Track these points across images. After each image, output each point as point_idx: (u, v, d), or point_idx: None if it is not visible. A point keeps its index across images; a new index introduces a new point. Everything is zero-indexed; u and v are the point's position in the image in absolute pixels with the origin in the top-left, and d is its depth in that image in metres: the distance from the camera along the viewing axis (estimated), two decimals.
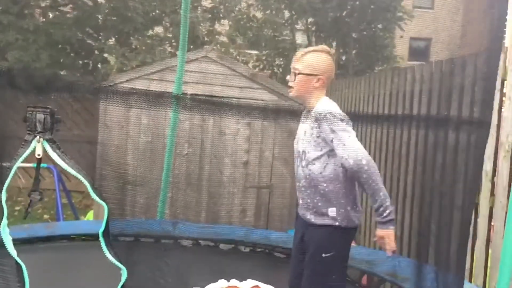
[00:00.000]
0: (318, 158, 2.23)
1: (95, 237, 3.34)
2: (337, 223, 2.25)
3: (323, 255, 2.23)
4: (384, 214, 2.14)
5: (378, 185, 2.13)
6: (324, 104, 2.26)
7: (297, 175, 2.37)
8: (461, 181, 1.99)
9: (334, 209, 2.25)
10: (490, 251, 3.03)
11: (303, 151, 2.30)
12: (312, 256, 2.29)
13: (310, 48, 2.40)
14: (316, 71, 2.28)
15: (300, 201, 2.40)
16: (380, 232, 2.18)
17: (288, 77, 2.36)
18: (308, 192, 2.31)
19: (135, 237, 3.03)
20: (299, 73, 2.29)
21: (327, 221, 2.26)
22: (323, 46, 2.43)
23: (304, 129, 2.33)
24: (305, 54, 2.32)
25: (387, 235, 2.16)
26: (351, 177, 2.23)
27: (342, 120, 2.09)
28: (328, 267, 2.24)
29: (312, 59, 2.29)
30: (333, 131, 2.14)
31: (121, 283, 1.55)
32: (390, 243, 2.17)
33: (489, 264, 3.04)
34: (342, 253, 2.30)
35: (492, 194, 2.98)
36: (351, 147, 2.12)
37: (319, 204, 2.27)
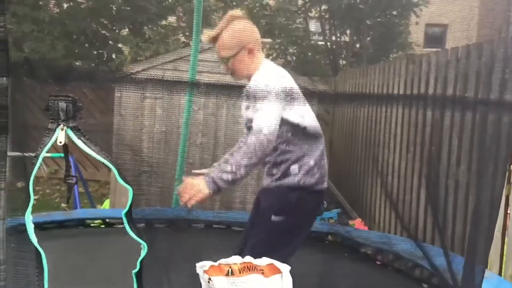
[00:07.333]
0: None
1: (114, 221, 3.40)
2: (296, 180, 2.09)
3: (273, 217, 2.04)
4: (219, 171, 1.94)
5: (248, 152, 1.94)
6: (261, 75, 2.11)
7: None
8: (484, 166, 1.95)
9: (280, 168, 2.11)
10: (506, 239, 3.02)
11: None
12: (260, 219, 2.10)
13: (218, 29, 2.15)
14: (240, 46, 2.12)
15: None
16: (190, 178, 1.98)
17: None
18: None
19: (148, 223, 3.08)
20: (228, 59, 2.14)
21: (284, 181, 2.11)
22: (228, 15, 2.19)
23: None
24: (219, 38, 2.13)
25: (191, 182, 1.94)
26: (304, 134, 2.12)
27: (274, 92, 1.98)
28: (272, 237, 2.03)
29: (229, 38, 2.11)
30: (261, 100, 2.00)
31: (140, 258, 1.58)
32: (186, 191, 1.93)
33: (505, 252, 3.02)
34: (295, 219, 2.07)
35: (509, 182, 2.96)
36: (266, 116, 1.99)
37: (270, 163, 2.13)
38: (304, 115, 2.13)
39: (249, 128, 2.15)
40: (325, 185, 2.20)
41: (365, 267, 2.96)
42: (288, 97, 2.04)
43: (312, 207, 2.20)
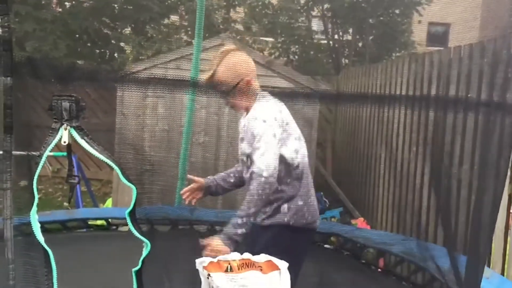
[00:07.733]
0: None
1: (116, 221, 3.40)
2: (286, 219, 2.11)
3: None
4: (232, 226, 1.95)
5: (253, 200, 1.97)
6: (258, 111, 2.10)
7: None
8: (486, 166, 1.94)
9: (272, 207, 2.11)
10: (508, 238, 3.01)
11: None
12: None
13: (213, 65, 2.14)
14: (238, 78, 2.11)
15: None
16: (209, 240, 1.95)
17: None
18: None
19: (150, 224, 3.08)
20: (227, 93, 2.11)
21: (275, 218, 2.12)
22: (222, 50, 2.19)
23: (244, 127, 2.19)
24: (216, 73, 2.12)
25: (212, 248, 1.91)
26: (295, 173, 2.12)
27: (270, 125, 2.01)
28: None
29: (226, 72, 2.11)
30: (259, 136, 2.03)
31: (143, 256, 1.60)
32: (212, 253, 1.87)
33: (507, 252, 3.02)
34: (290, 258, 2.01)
35: (511, 181, 2.95)
36: (264, 157, 2.00)
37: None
38: (299, 149, 2.13)
39: (242, 161, 2.18)
40: (316, 224, 2.21)
41: (366, 268, 2.97)
42: (284, 132, 2.06)
43: (303, 246, 2.21)
